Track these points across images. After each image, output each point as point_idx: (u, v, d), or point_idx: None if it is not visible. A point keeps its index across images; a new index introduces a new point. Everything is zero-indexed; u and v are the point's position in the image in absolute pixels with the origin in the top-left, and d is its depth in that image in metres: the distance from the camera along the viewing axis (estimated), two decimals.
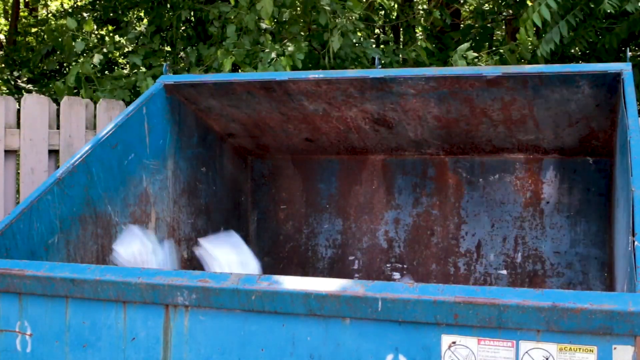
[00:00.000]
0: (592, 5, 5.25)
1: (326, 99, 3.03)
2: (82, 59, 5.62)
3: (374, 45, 7.92)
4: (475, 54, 5.64)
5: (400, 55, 5.97)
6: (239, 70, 5.64)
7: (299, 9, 5.66)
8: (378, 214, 3.55)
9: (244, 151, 3.69)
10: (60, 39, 5.98)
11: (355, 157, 3.57)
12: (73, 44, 5.59)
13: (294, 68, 4.94)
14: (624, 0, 4.90)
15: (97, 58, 5.45)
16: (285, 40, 5.32)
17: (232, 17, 5.38)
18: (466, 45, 5.52)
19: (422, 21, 7.41)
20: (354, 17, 5.48)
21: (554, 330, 1.51)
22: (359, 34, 5.69)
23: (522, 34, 5.10)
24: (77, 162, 2.55)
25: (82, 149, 2.63)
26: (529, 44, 5.49)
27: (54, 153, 4.14)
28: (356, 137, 3.35)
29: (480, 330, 1.57)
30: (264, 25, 5.49)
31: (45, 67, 7.59)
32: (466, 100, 2.87)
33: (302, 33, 5.69)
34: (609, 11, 4.86)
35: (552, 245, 3.28)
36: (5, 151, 3.97)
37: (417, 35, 7.25)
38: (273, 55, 4.98)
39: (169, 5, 6.42)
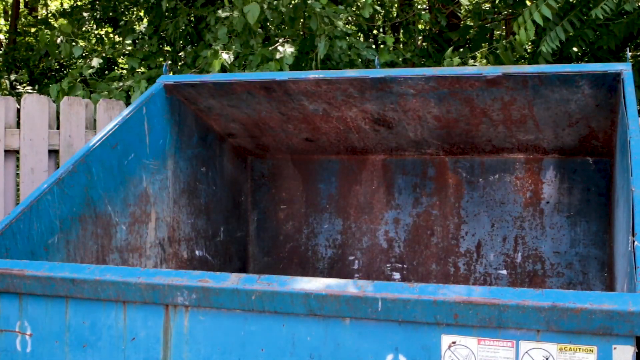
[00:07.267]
0: (591, 5, 5.25)
1: (326, 99, 3.03)
2: (80, 62, 5.63)
3: (373, 46, 7.91)
4: (459, 59, 5.64)
5: (391, 59, 5.97)
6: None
7: (292, 13, 5.66)
8: (378, 214, 3.55)
9: (244, 151, 3.69)
10: (56, 45, 5.96)
11: (355, 157, 3.57)
12: (72, 49, 5.58)
13: None
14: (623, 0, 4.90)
15: (95, 62, 5.45)
16: (277, 45, 5.32)
17: (224, 17, 5.38)
18: (450, 49, 5.55)
19: (419, 23, 7.39)
20: (341, 23, 5.48)
21: (554, 330, 1.51)
22: (349, 39, 5.69)
23: (521, 35, 5.09)
24: (77, 162, 2.55)
25: (82, 149, 2.63)
26: (529, 43, 5.49)
27: (54, 153, 4.13)
28: (356, 137, 3.35)
29: (480, 330, 1.57)
30: (255, 28, 5.50)
31: (44, 66, 7.59)
32: (466, 100, 2.87)
33: (297, 36, 5.69)
34: (603, 15, 4.86)
35: (552, 245, 3.28)
36: (5, 151, 3.97)
37: (412, 37, 7.22)
38: (260, 59, 5.01)
39: (166, 7, 6.42)
